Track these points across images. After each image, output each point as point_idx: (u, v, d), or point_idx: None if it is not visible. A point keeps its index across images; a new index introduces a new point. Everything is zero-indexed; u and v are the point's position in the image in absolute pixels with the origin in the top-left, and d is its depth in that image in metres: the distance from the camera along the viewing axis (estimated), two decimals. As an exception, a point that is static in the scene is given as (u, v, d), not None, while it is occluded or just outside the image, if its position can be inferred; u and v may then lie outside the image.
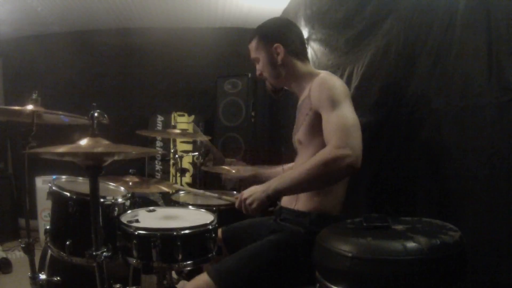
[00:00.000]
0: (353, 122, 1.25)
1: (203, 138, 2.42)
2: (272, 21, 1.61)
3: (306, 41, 1.62)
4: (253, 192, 1.31)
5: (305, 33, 2.64)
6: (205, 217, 1.48)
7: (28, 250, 1.67)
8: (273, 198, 1.29)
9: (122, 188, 1.66)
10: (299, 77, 1.53)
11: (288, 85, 1.58)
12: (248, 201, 1.30)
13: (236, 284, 1.26)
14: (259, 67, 1.58)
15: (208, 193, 1.67)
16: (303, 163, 1.27)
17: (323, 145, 1.30)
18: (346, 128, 1.23)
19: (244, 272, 1.28)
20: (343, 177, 1.35)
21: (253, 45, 1.57)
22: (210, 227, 1.37)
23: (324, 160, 1.19)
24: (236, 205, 1.36)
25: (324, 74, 1.44)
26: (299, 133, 1.46)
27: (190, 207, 1.77)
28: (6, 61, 4.31)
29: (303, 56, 1.55)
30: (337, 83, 1.35)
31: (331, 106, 1.29)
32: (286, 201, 1.51)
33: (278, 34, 1.53)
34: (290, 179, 1.26)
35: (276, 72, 1.53)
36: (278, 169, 1.79)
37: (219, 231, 1.59)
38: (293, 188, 1.30)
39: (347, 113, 1.27)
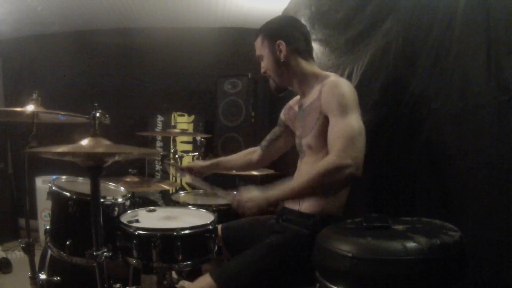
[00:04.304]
0: (358, 131, 1.26)
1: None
2: (277, 19, 1.61)
3: (311, 40, 1.60)
4: (253, 197, 1.31)
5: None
6: (205, 217, 1.48)
7: (28, 250, 1.67)
8: (274, 205, 1.32)
9: (122, 188, 1.66)
10: (303, 76, 1.51)
11: (292, 84, 1.56)
12: (248, 205, 1.31)
13: (239, 286, 1.27)
14: (263, 64, 1.57)
15: (205, 186, 1.66)
16: (307, 172, 1.29)
17: None
18: (351, 137, 1.24)
19: (247, 275, 1.28)
20: (344, 186, 1.38)
21: (258, 42, 1.56)
22: (210, 227, 1.37)
23: (325, 171, 1.21)
24: (234, 205, 1.36)
25: (334, 77, 1.43)
26: (309, 138, 1.44)
27: (190, 207, 1.78)
28: (6, 61, 4.30)
29: (307, 54, 1.53)
30: (348, 90, 1.35)
31: (340, 112, 1.29)
32: (289, 202, 1.51)
33: (280, 31, 1.52)
34: (292, 189, 1.29)
35: (279, 69, 1.52)
36: (234, 156, 1.90)
37: (219, 229, 1.58)
38: (295, 197, 1.34)
39: (354, 121, 1.28)
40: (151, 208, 1.61)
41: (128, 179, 1.89)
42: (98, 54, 4.16)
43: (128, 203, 1.53)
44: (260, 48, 1.56)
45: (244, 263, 1.31)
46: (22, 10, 3.54)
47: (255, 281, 1.28)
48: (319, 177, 1.21)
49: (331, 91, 1.35)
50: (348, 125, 1.26)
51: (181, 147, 3.66)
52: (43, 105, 1.68)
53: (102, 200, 1.33)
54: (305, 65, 1.51)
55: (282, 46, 1.48)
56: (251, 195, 1.32)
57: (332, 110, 1.32)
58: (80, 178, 1.64)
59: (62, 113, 1.70)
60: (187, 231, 1.31)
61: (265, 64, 1.55)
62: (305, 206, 1.42)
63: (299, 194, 1.29)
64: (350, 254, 0.90)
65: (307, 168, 1.49)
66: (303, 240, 1.35)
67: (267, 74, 1.57)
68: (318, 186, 1.23)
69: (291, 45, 1.49)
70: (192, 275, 1.65)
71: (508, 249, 1.03)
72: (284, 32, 1.52)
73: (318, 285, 1.01)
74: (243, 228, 1.65)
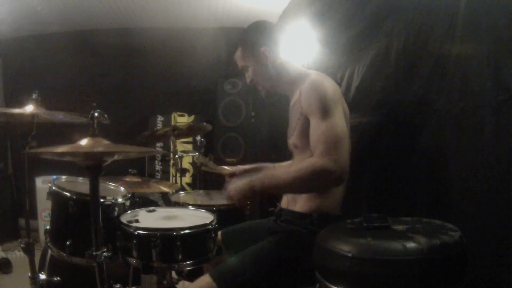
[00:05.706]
0: (342, 134, 1.26)
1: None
2: (253, 27, 1.60)
3: (288, 41, 1.60)
4: (238, 187, 1.35)
5: (305, 33, 2.63)
6: (205, 217, 1.48)
7: (28, 250, 1.67)
8: (258, 194, 1.35)
9: (122, 188, 1.66)
10: (289, 77, 1.52)
11: (280, 87, 1.57)
12: (235, 196, 1.35)
13: (238, 286, 1.27)
14: (249, 74, 1.58)
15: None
16: (291, 166, 1.31)
17: None
18: (335, 140, 1.23)
19: (246, 274, 1.28)
20: (328, 188, 1.38)
21: (238, 54, 1.58)
22: (210, 227, 1.37)
23: (311, 171, 1.22)
24: (227, 199, 1.40)
25: (315, 76, 1.42)
26: (294, 138, 1.45)
27: (190, 207, 1.77)
28: (6, 61, 4.30)
29: (289, 56, 1.54)
30: (328, 89, 1.33)
31: (321, 114, 1.28)
32: (285, 203, 1.51)
33: (262, 37, 1.52)
34: (277, 180, 1.31)
35: (267, 75, 1.52)
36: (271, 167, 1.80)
37: (219, 234, 1.58)
38: (278, 190, 1.39)
39: (336, 123, 1.27)
40: (151, 208, 1.60)
41: (128, 179, 1.88)
42: (98, 54, 4.15)
43: (128, 203, 1.53)
44: (243, 59, 1.56)
45: (243, 263, 1.31)
46: (22, 10, 3.54)
47: (254, 280, 1.28)
48: (305, 175, 1.23)
49: (311, 92, 1.34)
50: (330, 128, 1.25)
51: (181, 147, 3.66)
52: (43, 105, 1.68)
53: (102, 200, 1.34)
54: (290, 67, 1.52)
55: (267, 51, 1.49)
56: (236, 185, 1.36)
57: (312, 112, 1.31)
58: (80, 178, 1.64)
59: (64, 113, 1.69)
60: (186, 231, 1.31)
61: (251, 73, 1.56)
62: (301, 205, 1.42)
63: (283, 187, 1.33)
64: (350, 254, 0.90)
65: None
66: (302, 239, 1.35)
67: (254, 83, 1.58)
68: (302, 184, 1.26)
69: (274, 49, 1.51)
70: (192, 275, 1.65)
71: (508, 249, 1.03)
72: (265, 37, 1.52)
73: (318, 285, 1.01)
74: (243, 230, 1.65)
